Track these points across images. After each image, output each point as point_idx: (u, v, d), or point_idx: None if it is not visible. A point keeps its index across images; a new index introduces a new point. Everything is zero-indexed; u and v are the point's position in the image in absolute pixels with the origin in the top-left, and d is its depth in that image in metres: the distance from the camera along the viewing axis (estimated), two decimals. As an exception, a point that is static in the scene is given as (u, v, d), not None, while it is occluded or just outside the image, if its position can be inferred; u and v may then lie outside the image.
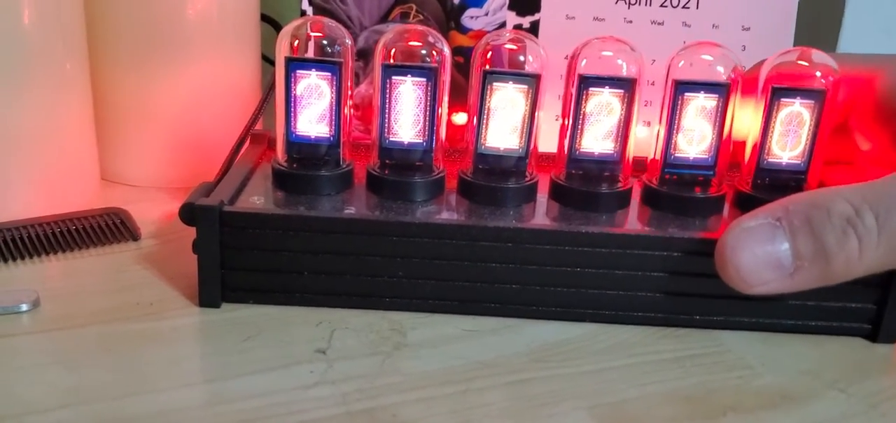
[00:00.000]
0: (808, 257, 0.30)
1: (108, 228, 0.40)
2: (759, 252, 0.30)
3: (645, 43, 0.48)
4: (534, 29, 0.48)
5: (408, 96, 0.36)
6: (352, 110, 0.37)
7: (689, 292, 0.34)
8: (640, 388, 0.30)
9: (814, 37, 0.59)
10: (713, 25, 0.48)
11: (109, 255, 0.39)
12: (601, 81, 0.35)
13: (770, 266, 0.30)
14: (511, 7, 0.48)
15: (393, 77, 0.35)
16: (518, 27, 0.48)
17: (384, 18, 0.48)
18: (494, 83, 0.35)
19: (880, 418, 0.30)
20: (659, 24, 0.48)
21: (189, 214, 0.33)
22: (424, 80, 0.35)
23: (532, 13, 0.48)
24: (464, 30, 0.49)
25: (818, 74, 0.36)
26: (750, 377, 0.32)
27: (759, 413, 0.29)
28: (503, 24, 0.48)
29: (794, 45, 0.48)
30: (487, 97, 0.36)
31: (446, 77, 0.36)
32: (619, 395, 0.30)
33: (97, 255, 0.38)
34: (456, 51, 0.48)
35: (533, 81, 0.35)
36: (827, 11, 0.56)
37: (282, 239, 0.33)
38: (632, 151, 0.37)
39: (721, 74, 0.36)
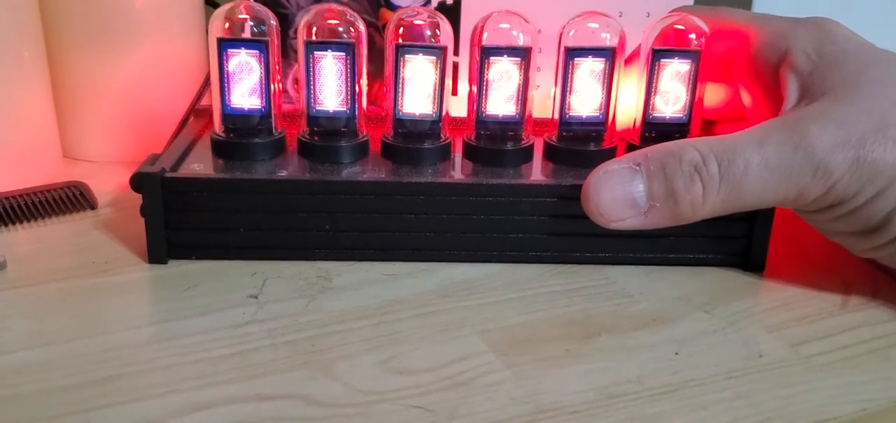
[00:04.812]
0: (660, 198, 0.34)
1: (69, 199, 0.44)
2: (617, 192, 0.34)
3: (556, 11, 0.52)
4: (457, 3, 0.52)
5: (330, 69, 0.40)
6: (280, 83, 0.41)
7: (578, 232, 0.38)
8: (529, 315, 0.35)
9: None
10: (621, -7, 0.52)
11: (70, 222, 0.43)
12: (500, 51, 0.40)
13: (626, 204, 0.34)
14: (436, -17, 0.52)
15: (315, 53, 0.39)
16: (442, 2, 0.52)
17: (319, -2, 0.52)
18: (406, 55, 0.40)
19: (736, 332, 0.35)
20: (571, -7, 0.52)
21: (137, 182, 0.37)
22: (344, 54, 0.40)
23: (455, -12, 0.52)
24: (393, 7, 0.53)
25: (692, 36, 0.40)
26: (628, 304, 0.36)
27: (630, 333, 0.34)
28: (429, 1, 0.52)
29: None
30: (401, 68, 0.40)
31: (364, 51, 0.40)
32: (508, 321, 0.34)
33: (59, 223, 0.43)
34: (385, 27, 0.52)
35: (440, 52, 0.40)
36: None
37: (218, 200, 0.37)
38: (532, 111, 0.42)
39: (606, 40, 0.40)
